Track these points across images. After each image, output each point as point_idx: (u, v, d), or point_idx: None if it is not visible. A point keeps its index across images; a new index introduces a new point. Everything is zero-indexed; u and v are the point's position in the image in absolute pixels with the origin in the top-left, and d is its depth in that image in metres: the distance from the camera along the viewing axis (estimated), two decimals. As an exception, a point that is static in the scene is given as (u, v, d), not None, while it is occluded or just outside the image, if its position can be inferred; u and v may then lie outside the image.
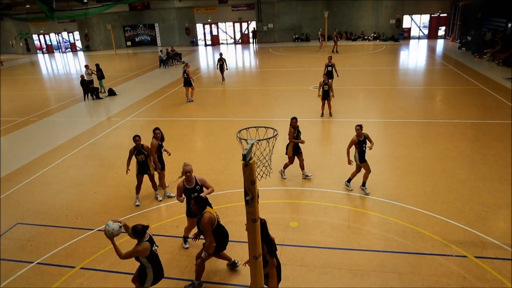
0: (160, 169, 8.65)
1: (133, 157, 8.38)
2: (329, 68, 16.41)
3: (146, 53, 36.99)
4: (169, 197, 8.75)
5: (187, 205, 6.68)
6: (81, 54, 41.21)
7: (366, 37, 36.54)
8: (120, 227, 5.08)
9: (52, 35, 44.03)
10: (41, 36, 44.31)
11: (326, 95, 13.42)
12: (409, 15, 35.58)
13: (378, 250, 6.55)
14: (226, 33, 41.00)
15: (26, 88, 24.17)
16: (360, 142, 8.19)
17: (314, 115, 14.10)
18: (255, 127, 4.73)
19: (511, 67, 19.58)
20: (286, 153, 9.19)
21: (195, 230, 6.51)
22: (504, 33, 25.15)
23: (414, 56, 27.89)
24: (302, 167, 9.30)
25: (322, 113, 13.92)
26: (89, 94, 19.19)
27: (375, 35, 36.15)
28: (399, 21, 35.65)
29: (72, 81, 25.03)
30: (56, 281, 6.29)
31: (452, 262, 6.15)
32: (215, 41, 40.84)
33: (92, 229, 7.71)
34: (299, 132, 9.14)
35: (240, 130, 4.60)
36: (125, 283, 6.13)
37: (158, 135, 8.57)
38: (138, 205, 8.51)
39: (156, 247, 5.30)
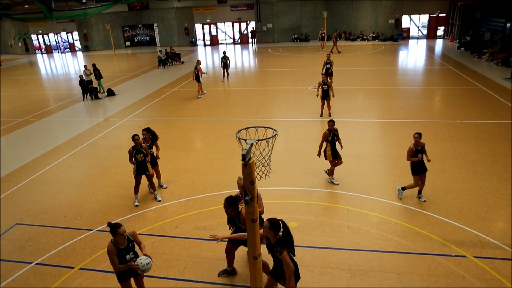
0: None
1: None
2: (328, 66, 16.90)
3: (145, 53, 36.97)
4: (156, 200, 8.70)
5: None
6: (80, 54, 41.18)
7: (365, 37, 36.56)
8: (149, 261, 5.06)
9: (51, 35, 43.98)
10: (40, 36, 44.25)
11: (325, 95, 13.43)
12: (408, 15, 35.60)
13: (377, 250, 6.55)
14: (225, 33, 40.99)
15: (25, 88, 24.14)
16: (417, 151, 7.68)
17: (313, 115, 14.10)
18: (255, 127, 4.72)
19: (510, 67, 19.61)
20: (326, 158, 8.81)
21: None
22: (503, 33, 25.21)
23: (413, 56, 27.92)
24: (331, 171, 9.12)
25: (322, 113, 13.93)
26: (88, 94, 19.17)
27: (374, 35, 36.16)
28: (398, 21, 35.68)
29: (71, 81, 25.01)
30: (55, 281, 6.28)
31: (452, 262, 6.15)
32: (214, 41, 40.82)
33: (91, 230, 7.70)
34: (335, 136, 8.66)
35: (240, 130, 4.60)
36: (124, 284, 6.13)
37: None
38: (137, 205, 8.50)
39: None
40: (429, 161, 7.80)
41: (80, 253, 6.97)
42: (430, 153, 10.28)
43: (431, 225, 7.15)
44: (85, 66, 19.53)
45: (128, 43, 42.91)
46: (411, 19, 35.87)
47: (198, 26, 40.73)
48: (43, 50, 44.66)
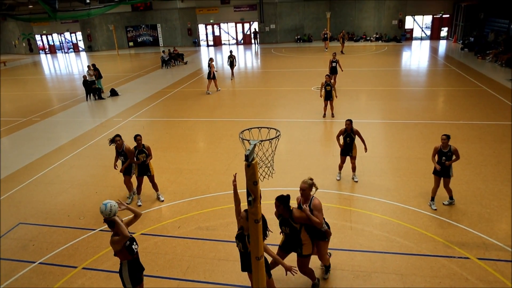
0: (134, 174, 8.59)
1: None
2: (333, 64, 17.51)
3: (148, 54, 37.06)
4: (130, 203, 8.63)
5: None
6: (83, 54, 41.32)
7: (368, 38, 36.51)
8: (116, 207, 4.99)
9: (55, 35, 44.14)
10: (44, 37, 44.42)
11: (328, 96, 13.43)
12: (412, 16, 35.53)
13: (380, 251, 6.54)
14: (228, 33, 41.03)
15: (28, 88, 24.24)
16: (442, 153, 7.49)
17: (316, 116, 14.09)
18: (258, 127, 4.72)
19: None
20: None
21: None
22: (507, 34, 25.11)
23: (417, 57, 27.84)
24: (352, 169, 9.18)
25: (324, 114, 13.92)
26: (92, 94, 19.23)
27: (377, 36, 36.11)
28: (402, 22, 35.61)
29: (74, 82, 25.09)
30: (58, 281, 6.30)
31: (455, 263, 6.13)
32: (217, 42, 40.88)
33: (94, 229, 7.71)
34: (348, 136, 8.71)
35: (243, 131, 4.60)
36: (127, 283, 6.14)
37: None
38: (140, 205, 8.52)
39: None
40: (450, 176, 7.59)
41: (83, 253, 6.98)
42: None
43: (434, 226, 7.13)
44: (88, 67, 19.60)
45: (131, 44, 43.03)
46: (414, 20, 35.79)
47: (201, 27, 40.79)
48: (47, 50, 44.83)
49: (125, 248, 4.94)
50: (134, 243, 5.09)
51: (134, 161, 8.32)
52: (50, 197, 9.23)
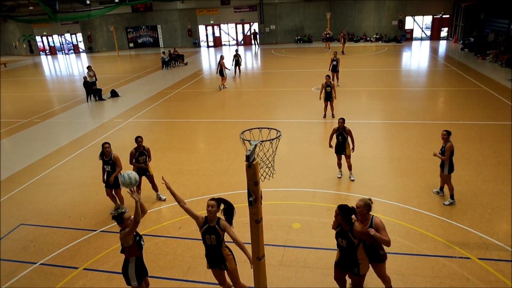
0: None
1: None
2: (334, 63, 18.18)
3: (149, 55, 37.09)
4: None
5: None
6: (84, 55, 41.36)
7: (368, 38, 36.53)
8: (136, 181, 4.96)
9: (55, 36, 44.19)
10: (44, 38, 44.47)
11: (328, 97, 13.47)
12: (412, 16, 35.53)
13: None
14: (228, 34, 41.06)
15: (29, 89, 24.28)
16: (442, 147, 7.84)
17: (316, 117, 14.10)
18: (258, 128, 4.73)
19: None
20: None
21: None
22: (507, 34, 25.11)
23: (417, 57, 27.85)
24: (348, 167, 9.23)
25: (325, 115, 13.93)
26: (92, 95, 19.25)
27: (377, 36, 36.13)
28: (402, 22, 35.62)
29: (75, 83, 25.12)
30: (59, 282, 6.31)
31: (456, 263, 6.13)
32: (217, 43, 40.91)
33: (95, 230, 7.72)
34: (340, 134, 8.88)
35: (244, 131, 4.61)
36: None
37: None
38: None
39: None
40: (443, 171, 7.88)
41: (84, 254, 6.99)
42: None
43: (435, 226, 7.13)
44: (88, 68, 19.62)
45: (131, 45, 43.07)
46: (414, 20, 35.80)
47: (201, 28, 40.82)
48: (47, 51, 44.88)
49: (135, 243, 4.97)
50: (142, 240, 5.13)
51: (133, 164, 8.30)
52: (51, 198, 9.24)
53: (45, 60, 40.02)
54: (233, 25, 40.20)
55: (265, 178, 4.60)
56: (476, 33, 28.90)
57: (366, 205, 5.09)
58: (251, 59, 32.18)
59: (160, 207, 8.50)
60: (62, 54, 44.36)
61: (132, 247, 4.98)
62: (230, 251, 5.25)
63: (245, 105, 16.76)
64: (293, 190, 8.90)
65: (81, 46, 43.74)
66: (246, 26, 40.01)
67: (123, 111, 16.86)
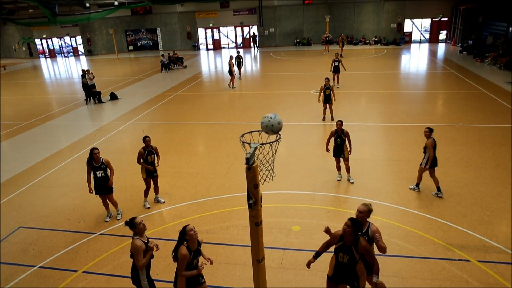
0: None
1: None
2: (336, 63, 18.49)
3: (148, 58, 37.13)
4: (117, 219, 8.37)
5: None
6: (83, 58, 41.39)
7: (367, 41, 36.62)
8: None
9: (55, 39, 44.23)
10: (44, 41, 44.52)
11: (327, 99, 13.50)
12: (410, 19, 35.65)
13: (380, 254, 6.51)
14: (227, 37, 41.14)
15: (28, 92, 24.28)
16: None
17: (315, 119, 14.12)
18: (258, 131, 4.74)
19: (512, 71, 19.60)
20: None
21: None
22: (505, 37, 25.20)
23: (416, 60, 27.93)
24: (346, 170, 9.26)
25: (324, 117, 13.95)
26: (92, 98, 19.26)
27: (376, 39, 36.22)
28: (400, 25, 35.74)
29: (74, 85, 25.13)
30: (59, 285, 6.29)
31: (455, 266, 6.13)
32: (216, 46, 40.98)
33: (95, 233, 7.71)
34: (338, 137, 8.89)
35: (243, 134, 4.61)
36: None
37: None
38: (148, 207, 8.53)
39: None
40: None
41: (83, 257, 6.98)
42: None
43: (435, 229, 7.13)
44: (88, 71, 19.64)
45: (131, 47, 43.11)
46: (413, 23, 35.91)
47: (200, 31, 40.90)
48: (46, 54, 44.92)
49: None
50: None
51: (140, 164, 8.31)
52: (50, 201, 9.24)
53: (45, 63, 40.05)
54: (233, 28, 40.28)
55: (264, 180, 4.60)
56: (474, 36, 29.00)
57: (369, 211, 5.06)
58: (250, 62, 32.22)
59: (160, 210, 8.49)
60: (62, 57, 44.41)
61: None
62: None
63: (245, 108, 16.77)
64: (292, 192, 8.90)
65: (81, 49, 43.79)
66: (246, 29, 40.10)
67: (123, 113, 16.87)
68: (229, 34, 40.97)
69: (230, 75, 20.58)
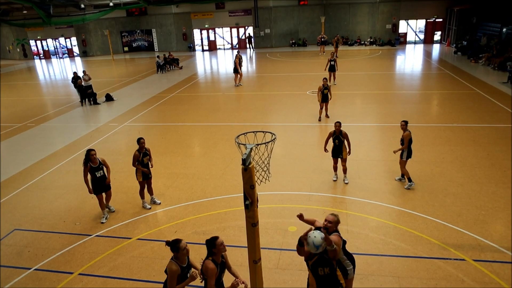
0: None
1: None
2: (332, 63, 19.04)
3: (144, 59, 37.05)
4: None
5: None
6: (78, 59, 41.23)
7: (362, 42, 36.76)
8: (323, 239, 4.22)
9: (49, 40, 44.03)
10: (38, 42, 44.32)
11: (325, 99, 13.71)
12: (405, 20, 35.84)
13: (376, 254, 6.56)
14: (223, 38, 41.13)
15: (23, 93, 24.14)
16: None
17: (311, 120, 14.15)
18: (253, 132, 4.75)
19: (506, 71, 19.73)
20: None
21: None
22: (499, 37, 25.41)
23: (411, 60, 28.06)
24: (343, 171, 9.30)
25: (320, 118, 14.01)
26: (87, 99, 19.19)
27: (371, 40, 36.37)
28: (395, 26, 35.92)
29: (69, 87, 24.97)
30: (54, 287, 6.26)
31: (451, 265, 6.17)
32: (212, 47, 40.96)
33: (90, 235, 7.68)
34: (336, 138, 8.91)
35: (239, 135, 4.62)
36: (123, 289, 6.12)
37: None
38: (149, 208, 8.53)
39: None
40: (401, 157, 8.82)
41: (79, 259, 6.95)
42: (429, 157, 10.38)
43: (430, 228, 7.17)
44: (84, 72, 19.55)
45: (126, 49, 43.00)
46: (408, 24, 36.11)
47: (196, 32, 40.88)
48: (41, 55, 44.70)
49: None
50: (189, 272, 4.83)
51: (136, 167, 8.30)
52: (45, 202, 9.19)
53: (39, 64, 39.84)
54: (228, 29, 40.30)
55: (261, 181, 4.61)
56: (468, 37, 29.21)
57: (338, 222, 4.79)
58: (246, 63, 32.22)
59: (156, 211, 8.47)
60: (57, 58, 44.21)
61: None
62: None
63: (240, 109, 16.78)
64: (289, 193, 8.91)
65: (76, 50, 43.63)
66: (241, 30, 40.12)
67: (118, 115, 16.82)
68: (224, 35, 40.98)
69: (235, 73, 21.24)
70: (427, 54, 29.86)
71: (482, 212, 7.61)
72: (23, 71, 35.76)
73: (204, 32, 40.83)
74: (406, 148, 8.58)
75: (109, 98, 19.68)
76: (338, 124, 8.89)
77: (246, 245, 4.55)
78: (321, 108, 13.92)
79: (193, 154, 12.01)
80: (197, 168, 10.60)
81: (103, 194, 8.25)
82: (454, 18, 31.95)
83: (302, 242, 4.39)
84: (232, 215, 8.06)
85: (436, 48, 32.98)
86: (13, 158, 12.33)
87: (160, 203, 8.72)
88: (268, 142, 4.32)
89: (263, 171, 4.63)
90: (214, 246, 4.56)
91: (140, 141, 8.25)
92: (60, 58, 44.06)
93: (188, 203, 8.71)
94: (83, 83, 18.96)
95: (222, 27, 40.32)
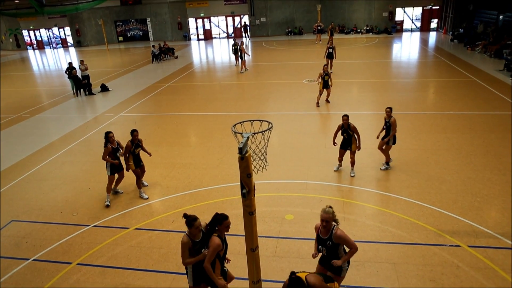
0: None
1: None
2: (330, 50, 19.27)
3: (139, 48, 36.71)
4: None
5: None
6: (72, 49, 40.79)
7: (359, 30, 36.56)
8: None
9: (43, 30, 43.45)
10: (31, 32, 43.73)
11: (325, 85, 14.02)
12: (402, 8, 35.63)
13: (373, 241, 6.62)
14: (218, 27, 40.78)
15: (17, 84, 23.92)
16: (385, 122, 9.16)
17: (308, 108, 14.14)
18: (250, 120, 4.73)
19: (502, 59, 19.72)
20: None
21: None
22: (495, 25, 25.32)
23: (407, 48, 27.98)
24: (351, 163, 9.13)
25: (318, 103, 14.14)
26: (82, 89, 19.03)
27: (368, 28, 36.17)
28: (392, 14, 35.71)
29: (63, 77, 24.70)
30: (53, 277, 6.29)
31: (446, 251, 6.24)
32: (207, 36, 40.61)
33: (88, 225, 7.69)
34: (345, 131, 8.71)
35: (235, 124, 4.61)
36: (121, 278, 6.15)
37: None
38: (147, 198, 8.55)
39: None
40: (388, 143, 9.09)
41: (77, 249, 6.97)
42: (425, 144, 10.42)
43: (426, 215, 7.23)
44: (81, 61, 19.33)
45: (121, 38, 42.57)
46: (404, 12, 35.91)
47: (191, 21, 40.48)
48: (34, 46, 44.16)
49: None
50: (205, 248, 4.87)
51: (127, 158, 8.30)
52: (42, 193, 9.17)
53: (33, 55, 39.41)
54: (224, 17, 39.93)
55: (258, 170, 4.61)
56: (465, 24, 29.09)
57: (333, 215, 4.74)
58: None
59: (153, 201, 8.48)
60: (50, 48, 43.70)
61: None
62: None
63: (237, 98, 16.72)
64: (285, 182, 8.94)
65: (70, 40, 43.11)
66: (237, 19, 39.77)
67: (114, 105, 16.72)
68: (220, 24, 40.62)
69: (240, 59, 22.11)
70: (424, 42, 29.77)
71: (477, 199, 7.67)
72: (16, 61, 35.36)
73: (200, 21, 40.44)
74: (394, 133, 8.86)
75: (104, 88, 19.53)
76: (346, 118, 8.57)
77: (244, 234, 4.57)
78: (321, 94, 14.03)
79: (189, 143, 11.99)
80: (194, 158, 10.60)
81: (116, 175, 8.51)
82: (451, 5, 31.78)
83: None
84: (229, 204, 8.09)
85: (432, 36, 32.86)
86: (9, 149, 12.26)
87: (147, 198, 8.61)
88: (264, 131, 4.31)
89: (260, 160, 4.63)
90: (220, 223, 4.72)
91: (133, 133, 8.26)
92: (54, 48, 43.56)
93: (185, 192, 8.72)
94: (79, 73, 18.76)
95: (218, 16, 39.93)
